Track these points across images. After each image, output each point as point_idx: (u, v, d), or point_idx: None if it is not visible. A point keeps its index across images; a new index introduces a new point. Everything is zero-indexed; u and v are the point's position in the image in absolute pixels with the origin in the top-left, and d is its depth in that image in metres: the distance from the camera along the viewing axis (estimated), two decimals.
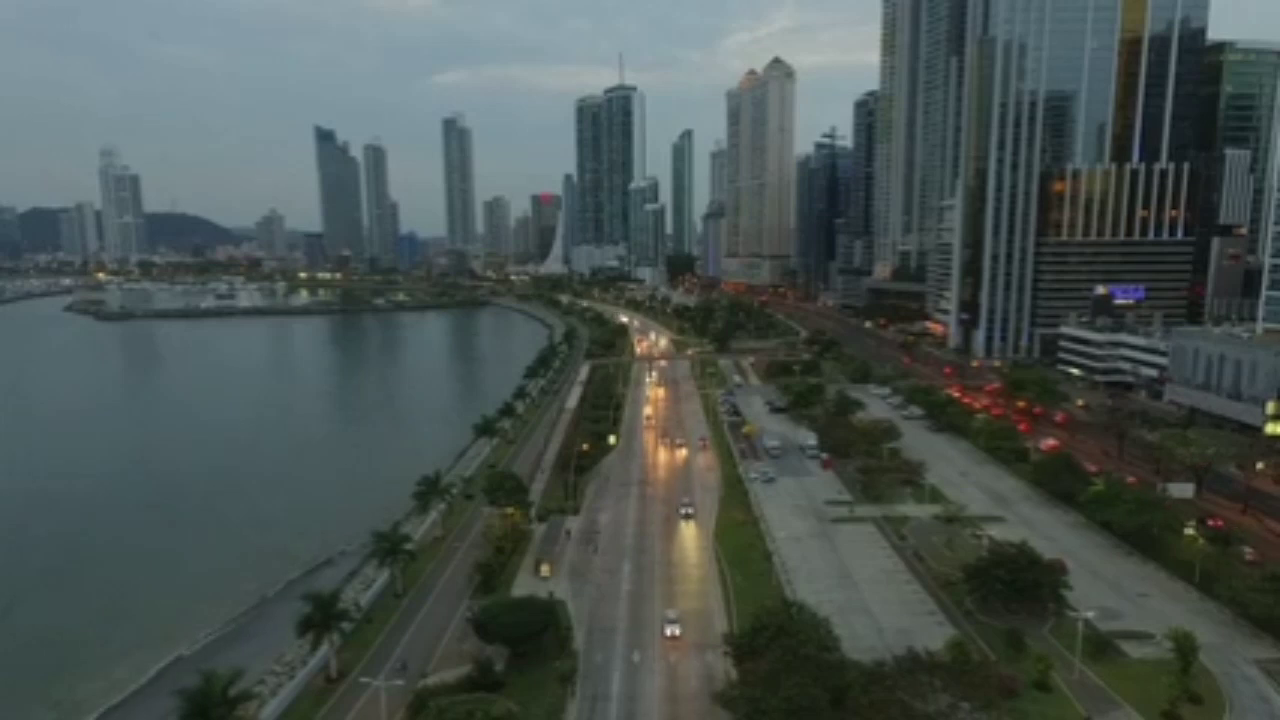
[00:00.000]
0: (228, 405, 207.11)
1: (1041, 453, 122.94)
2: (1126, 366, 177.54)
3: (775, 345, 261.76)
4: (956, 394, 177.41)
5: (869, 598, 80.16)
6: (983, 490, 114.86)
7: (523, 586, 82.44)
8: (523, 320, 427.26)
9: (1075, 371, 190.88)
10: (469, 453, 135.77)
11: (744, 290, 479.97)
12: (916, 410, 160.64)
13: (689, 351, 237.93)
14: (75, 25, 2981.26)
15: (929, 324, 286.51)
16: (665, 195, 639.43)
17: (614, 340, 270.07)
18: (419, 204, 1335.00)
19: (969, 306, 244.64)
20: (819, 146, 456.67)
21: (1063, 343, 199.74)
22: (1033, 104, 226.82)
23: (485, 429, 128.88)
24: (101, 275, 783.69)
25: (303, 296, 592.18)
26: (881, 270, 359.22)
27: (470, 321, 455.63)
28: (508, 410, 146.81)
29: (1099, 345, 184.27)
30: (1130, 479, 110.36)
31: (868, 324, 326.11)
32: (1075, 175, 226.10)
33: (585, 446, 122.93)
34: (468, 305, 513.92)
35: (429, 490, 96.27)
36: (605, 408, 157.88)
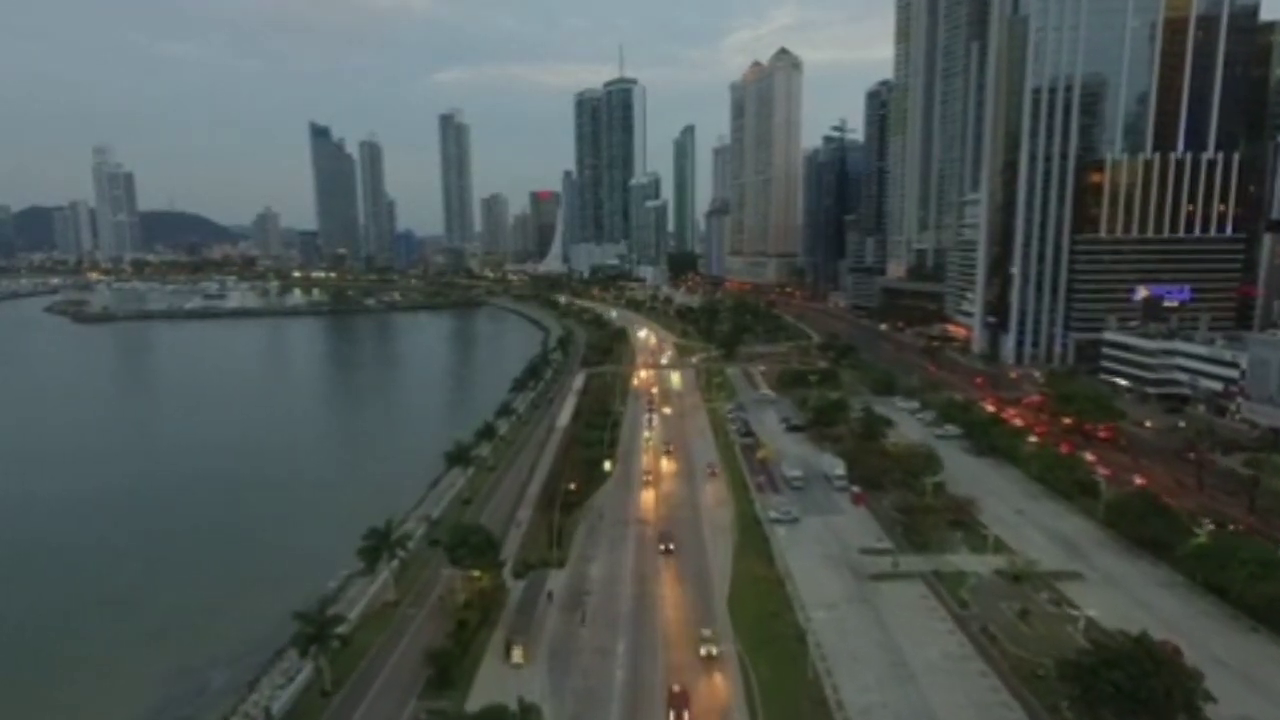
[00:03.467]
0: (177, 425, 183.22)
1: (1112, 484, 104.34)
2: (1183, 378, 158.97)
3: (786, 350, 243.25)
4: (994, 408, 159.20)
5: (934, 699, 61.88)
6: (1046, 534, 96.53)
7: (488, 682, 64.45)
8: (518, 322, 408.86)
9: (1122, 383, 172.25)
10: (442, 483, 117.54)
11: (749, 289, 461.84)
12: (952, 429, 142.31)
13: (694, 360, 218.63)
14: (74, 23, 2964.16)
15: (950, 327, 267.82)
16: (666, 192, 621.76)
17: (612, 345, 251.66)
18: (417, 202, 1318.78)
19: (996, 309, 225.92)
20: (827, 140, 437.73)
21: (1106, 350, 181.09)
22: (1068, 89, 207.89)
23: (458, 458, 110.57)
24: (93, 274, 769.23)
25: (296, 296, 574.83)
26: (895, 269, 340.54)
27: (464, 323, 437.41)
28: (488, 432, 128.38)
29: (1151, 353, 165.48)
30: (1233, 524, 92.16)
31: (882, 326, 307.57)
32: (1114, 166, 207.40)
33: (574, 486, 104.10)
34: (462, 306, 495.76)
35: (378, 545, 77.96)
36: (601, 426, 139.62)
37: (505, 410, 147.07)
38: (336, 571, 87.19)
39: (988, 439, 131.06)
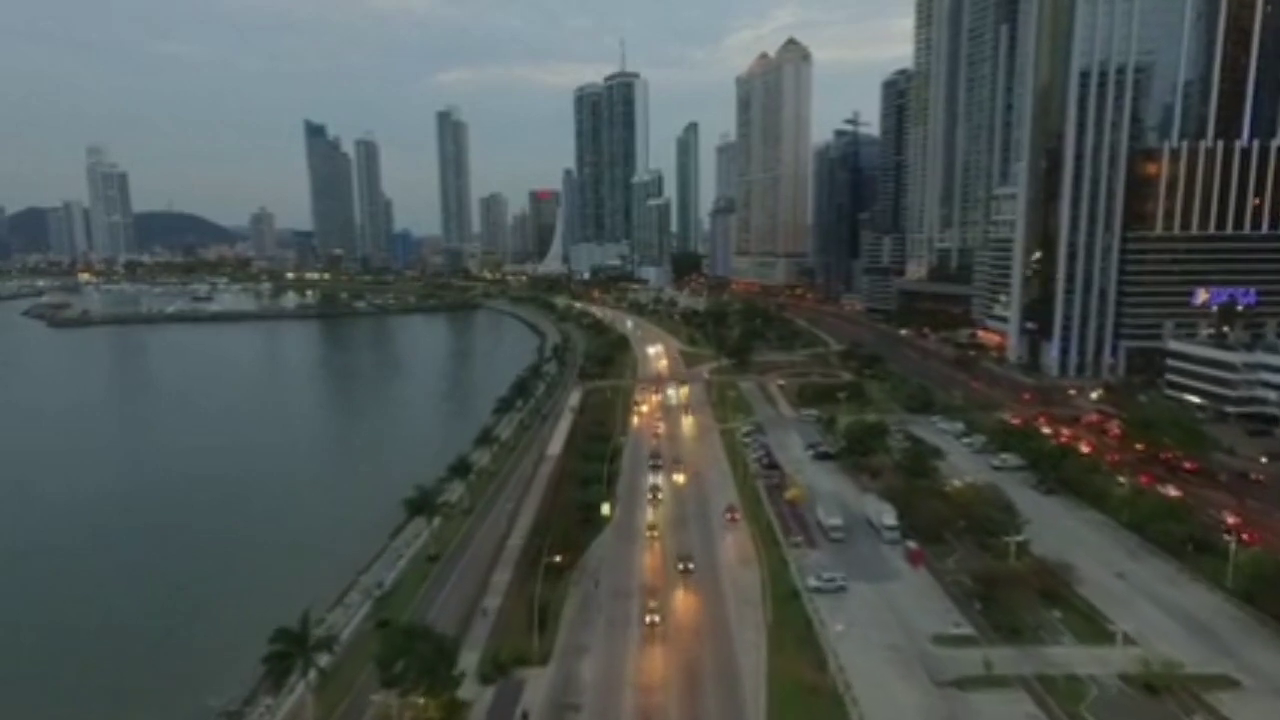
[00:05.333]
0: (100, 455, 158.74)
1: (1242, 542, 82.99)
2: (1272, 396, 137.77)
3: (805, 359, 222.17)
4: (1050, 431, 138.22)
5: None
6: (1163, 609, 75.43)
7: None
8: (513, 326, 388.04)
9: (1194, 400, 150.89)
10: (406, 532, 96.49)
11: (757, 291, 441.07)
12: (1010, 459, 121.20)
13: (705, 375, 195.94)
14: (74, 23, 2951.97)
15: (980, 333, 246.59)
16: (669, 191, 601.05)
17: (612, 354, 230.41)
18: (419, 203, 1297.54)
19: (1036, 314, 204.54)
20: (839, 134, 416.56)
21: (1174, 362, 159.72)
22: (1119, 71, 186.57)
23: (421, 506, 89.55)
24: (85, 276, 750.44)
25: (290, 298, 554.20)
26: (915, 270, 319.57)
27: (458, 327, 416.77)
28: (462, 469, 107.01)
29: (1233, 367, 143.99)
30: None
31: (903, 331, 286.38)
32: (1171, 156, 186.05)
33: (560, 557, 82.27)
34: (457, 308, 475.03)
35: (288, 652, 56.72)
36: (598, 457, 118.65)
37: (486, 438, 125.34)
38: (234, 685, 65.82)
39: (1058, 474, 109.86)
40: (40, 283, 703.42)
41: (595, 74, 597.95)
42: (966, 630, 71.55)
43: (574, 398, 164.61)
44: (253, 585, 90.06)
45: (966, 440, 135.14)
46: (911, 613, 75.61)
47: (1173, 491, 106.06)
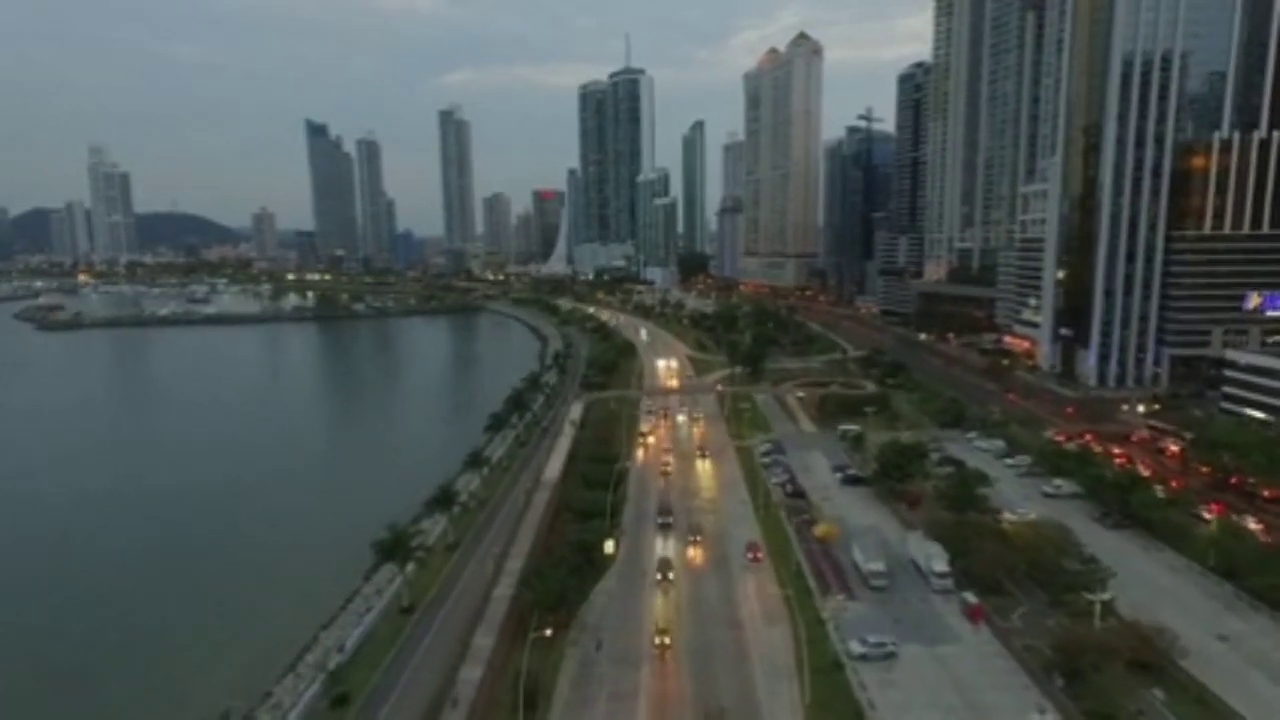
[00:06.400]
0: (58, 473, 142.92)
1: None
2: None
3: (822, 367, 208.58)
4: (1099, 449, 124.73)
5: None
6: None
7: None
8: (515, 329, 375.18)
9: (1258, 415, 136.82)
10: (375, 580, 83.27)
11: (766, 293, 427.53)
12: (1063, 484, 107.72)
13: (717, 388, 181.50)
14: (78, 24, 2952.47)
15: (1006, 339, 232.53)
16: (675, 190, 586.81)
17: (617, 361, 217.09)
18: (422, 204, 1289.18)
19: (1071, 319, 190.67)
20: (852, 131, 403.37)
21: (1232, 373, 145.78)
22: (1165, 58, 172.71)
23: (392, 550, 76.08)
24: (85, 277, 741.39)
25: (290, 299, 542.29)
26: (934, 271, 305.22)
27: (458, 330, 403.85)
28: (444, 501, 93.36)
29: None
30: None
31: (922, 336, 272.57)
32: (1222, 148, 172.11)
33: (552, 623, 68.65)
34: (458, 311, 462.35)
35: None
36: (601, 483, 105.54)
37: (475, 461, 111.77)
38: None
39: (1126, 506, 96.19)
40: (37, 284, 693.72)
41: (600, 73, 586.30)
42: (1051, 717, 58.09)
43: (575, 410, 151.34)
44: (201, 640, 77.36)
45: (1009, 462, 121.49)
46: (980, 689, 62.23)
47: (1253, 524, 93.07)
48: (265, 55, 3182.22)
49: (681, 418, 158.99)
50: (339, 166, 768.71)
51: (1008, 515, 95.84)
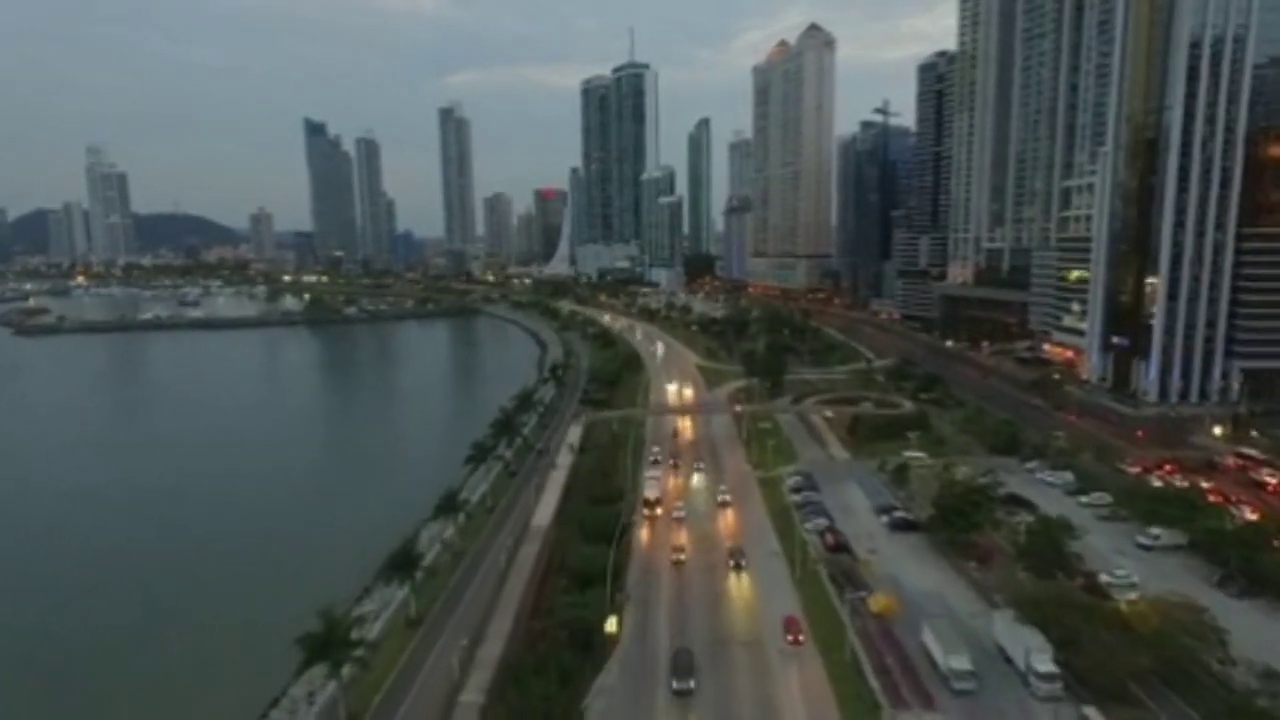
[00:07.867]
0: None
1: None
2: None
3: (845, 378, 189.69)
4: (1185, 482, 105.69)
5: None
6: None
7: None
8: (515, 334, 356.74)
9: None
10: (311, 674, 64.52)
11: (776, 295, 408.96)
12: (1161, 534, 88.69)
13: (736, 409, 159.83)
14: (77, 24, 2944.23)
15: (1045, 347, 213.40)
16: (680, 190, 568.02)
17: (620, 373, 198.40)
18: (424, 204, 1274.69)
19: (1127, 326, 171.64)
20: (867, 125, 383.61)
21: None
22: (1238, 40, 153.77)
23: (323, 649, 57.02)
24: (81, 278, 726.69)
25: (287, 300, 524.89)
26: (959, 273, 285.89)
27: (452, 335, 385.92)
28: (404, 564, 73.82)
29: None
30: None
31: (949, 343, 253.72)
32: None
33: None
34: (455, 314, 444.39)
35: None
36: (602, 533, 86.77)
37: (449, 505, 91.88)
38: None
39: (1253, 566, 77.21)
40: (28, 285, 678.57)
41: (603, 71, 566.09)
42: None
43: (574, 433, 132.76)
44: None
45: (1084, 500, 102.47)
46: None
47: None
48: (268, 56, 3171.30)
49: (698, 479, 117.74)
50: (338, 166, 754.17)
51: (1105, 578, 77.19)
